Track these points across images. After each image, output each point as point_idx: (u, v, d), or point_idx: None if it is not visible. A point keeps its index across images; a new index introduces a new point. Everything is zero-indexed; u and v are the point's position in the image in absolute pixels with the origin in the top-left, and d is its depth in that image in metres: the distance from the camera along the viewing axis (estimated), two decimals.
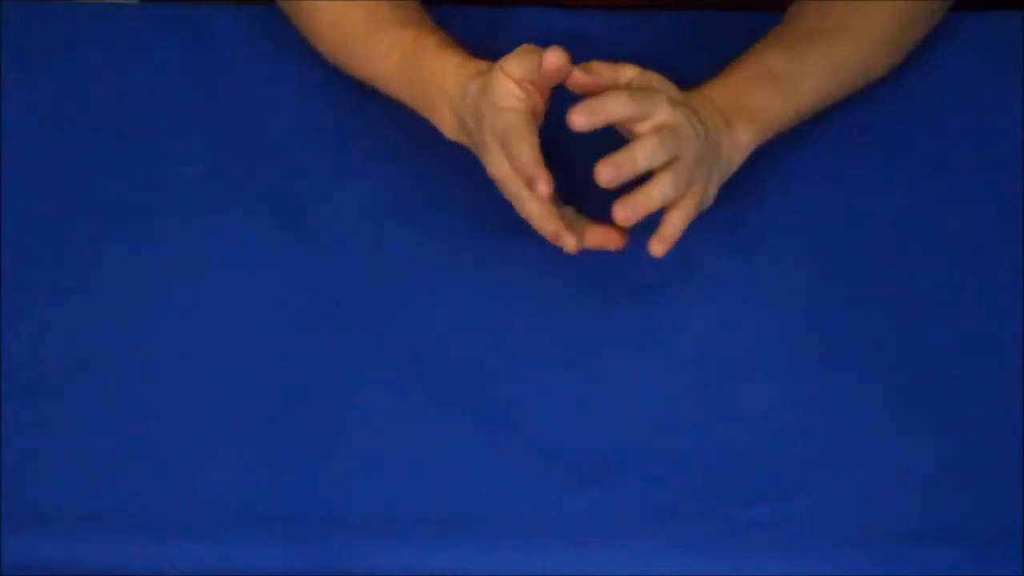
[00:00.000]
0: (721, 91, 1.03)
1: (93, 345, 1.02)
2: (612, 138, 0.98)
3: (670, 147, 0.95)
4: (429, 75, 1.05)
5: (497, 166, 0.98)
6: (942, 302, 1.02)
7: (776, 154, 1.07)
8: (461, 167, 1.06)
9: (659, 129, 0.95)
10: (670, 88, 0.99)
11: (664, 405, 0.98)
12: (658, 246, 0.97)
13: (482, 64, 1.03)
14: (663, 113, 0.96)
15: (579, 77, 0.97)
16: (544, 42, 1.14)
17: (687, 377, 0.99)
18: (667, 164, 0.95)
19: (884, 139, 1.09)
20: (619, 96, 0.95)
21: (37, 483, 0.96)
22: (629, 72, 0.99)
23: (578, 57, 1.13)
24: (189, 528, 0.94)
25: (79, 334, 1.02)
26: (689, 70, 1.08)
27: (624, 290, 1.02)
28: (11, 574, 0.94)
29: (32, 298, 1.04)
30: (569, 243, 0.97)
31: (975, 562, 0.92)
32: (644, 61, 1.12)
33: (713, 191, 1.01)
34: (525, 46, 0.98)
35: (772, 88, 1.04)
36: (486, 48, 1.13)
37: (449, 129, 1.05)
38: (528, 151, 0.95)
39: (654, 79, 0.99)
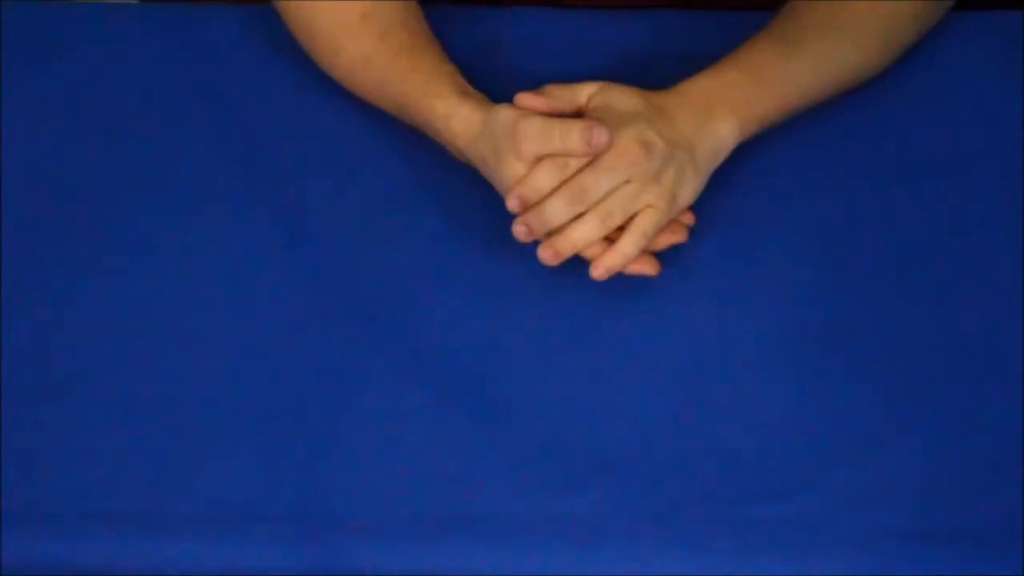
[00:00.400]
0: (705, 85, 1.03)
1: (93, 345, 1.02)
2: None
3: (587, 199, 0.98)
4: (422, 118, 1.05)
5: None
6: (942, 302, 1.02)
7: (775, 154, 1.07)
8: (461, 167, 1.06)
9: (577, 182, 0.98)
10: (627, 101, 1.00)
11: (664, 405, 0.98)
12: (596, 271, 0.99)
13: (462, 122, 1.02)
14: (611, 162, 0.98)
15: (536, 103, 1.00)
16: (543, 42, 1.14)
17: (687, 377, 0.99)
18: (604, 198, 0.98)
19: (884, 138, 1.09)
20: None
21: (37, 483, 0.96)
22: (588, 89, 1.02)
23: (577, 57, 1.14)
24: (189, 528, 0.94)
25: (79, 334, 1.02)
26: (689, 70, 1.08)
27: (624, 290, 1.02)
28: (11, 574, 0.94)
29: (32, 298, 1.04)
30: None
31: (975, 562, 0.92)
32: (644, 61, 1.12)
33: (688, 192, 1.01)
34: (529, 127, 0.98)
35: (759, 82, 1.04)
36: (487, 48, 1.13)
37: (464, 160, 1.05)
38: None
39: (612, 94, 1.01)
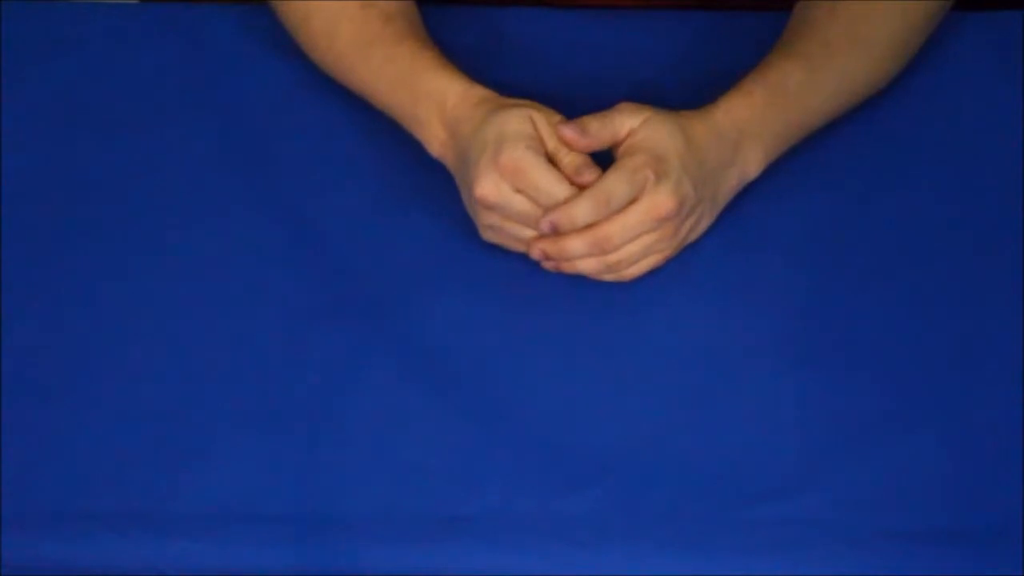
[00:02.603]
0: (737, 115, 1.02)
1: (93, 345, 1.02)
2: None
3: (607, 248, 0.99)
4: (425, 91, 1.04)
5: (492, 188, 0.98)
6: (942, 302, 1.02)
7: None
8: None
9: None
10: (669, 143, 0.98)
11: (664, 405, 0.98)
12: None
13: (487, 91, 1.02)
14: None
15: (579, 144, 0.98)
16: (542, 42, 1.14)
17: (687, 377, 0.99)
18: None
19: (884, 138, 1.09)
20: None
21: (37, 483, 0.96)
22: (629, 123, 0.99)
23: (577, 57, 1.14)
24: (189, 528, 0.94)
25: (79, 334, 1.02)
26: (689, 70, 1.08)
27: (624, 290, 1.02)
28: (11, 574, 0.94)
29: (32, 298, 1.04)
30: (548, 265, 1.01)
31: (975, 562, 0.92)
32: (644, 61, 1.12)
33: (697, 234, 1.03)
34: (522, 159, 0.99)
35: (786, 106, 1.03)
36: (486, 48, 1.13)
37: (437, 145, 1.04)
38: (551, 183, 0.97)
39: (654, 133, 0.98)
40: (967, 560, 0.92)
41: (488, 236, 1.02)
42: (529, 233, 1.00)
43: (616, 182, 0.97)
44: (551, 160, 0.99)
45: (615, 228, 0.97)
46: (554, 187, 0.97)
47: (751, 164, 1.03)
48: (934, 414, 0.97)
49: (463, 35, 1.13)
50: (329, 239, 1.06)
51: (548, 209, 0.97)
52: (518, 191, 0.98)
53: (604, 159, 0.99)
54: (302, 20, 1.11)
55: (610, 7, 1.17)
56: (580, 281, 1.02)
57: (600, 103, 1.03)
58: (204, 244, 1.06)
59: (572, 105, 1.04)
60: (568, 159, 0.98)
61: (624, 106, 1.00)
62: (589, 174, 0.97)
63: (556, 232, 0.98)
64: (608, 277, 1.01)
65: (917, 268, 1.03)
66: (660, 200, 0.97)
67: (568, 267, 1.00)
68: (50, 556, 0.94)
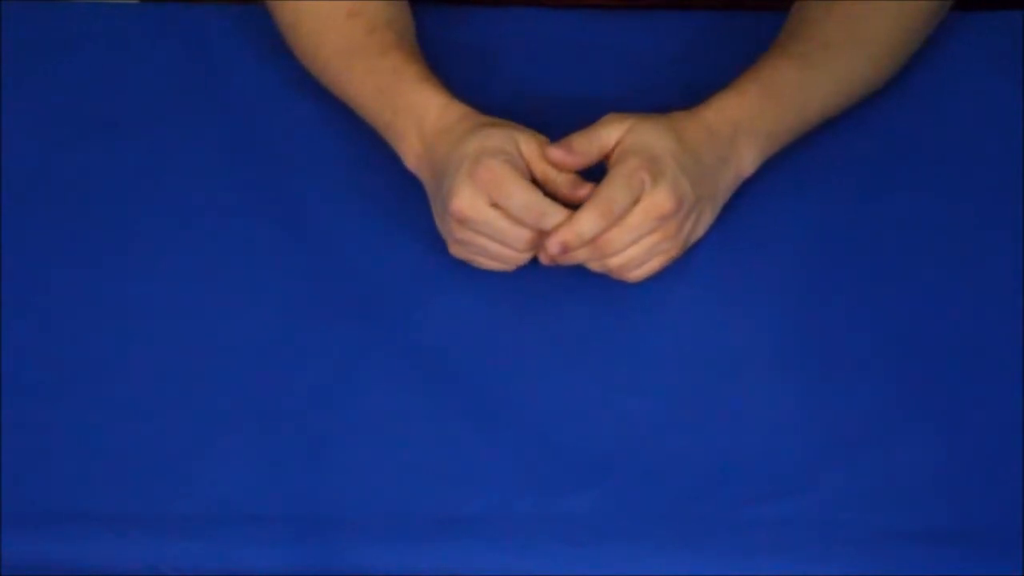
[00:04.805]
0: (730, 114, 1.02)
1: (93, 345, 1.02)
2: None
3: (608, 252, 0.98)
4: (405, 105, 1.04)
5: (468, 201, 0.97)
6: (942, 302, 1.02)
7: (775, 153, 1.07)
8: None
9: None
10: (660, 143, 0.98)
11: (664, 405, 0.98)
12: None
13: (468, 109, 1.02)
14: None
15: (567, 162, 0.98)
16: (542, 42, 1.14)
17: (687, 377, 0.99)
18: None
19: (884, 138, 1.09)
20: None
21: (37, 483, 0.96)
22: (615, 133, 0.99)
23: (574, 58, 1.14)
24: (189, 528, 0.94)
25: (79, 334, 1.02)
26: (689, 70, 1.08)
27: (624, 290, 1.02)
28: (11, 574, 0.94)
29: (32, 298, 1.04)
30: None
31: (975, 562, 0.92)
32: (643, 61, 1.12)
33: (701, 231, 1.03)
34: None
35: (781, 104, 1.03)
36: (486, 48, 1.13)
37: (413, 158, 1.04)
38: (528, 195, 0.97)
39: (644, 135, 0.98)
40: (967, 560, 0.92)
41: (457, 252, 1.01)
42: (500, 249, 0.99)
43: (614, 188, 0.96)
44: (540, 184, 0.98)
45: (615, 232, 0.97)
46: (531, 199, 0.97)
47: (745, 161, 1.03)
48: (934, 414, 0.97)
49: (462, 35, 1.13)
50: (329, 238, 1.06)
51: (552, 229, 0.97)
52: (493, 205, 0.97)
53: (594, 175, 0.99)
54: (291, 24, 1.11)
55: (610, 7, 1.17)
56: (580, 281, 1.02)
57: (599, 103, 1.03)
58: (203, 244, 1.06)
59: (571, 106, 1.04)
60: (561, 179, 0.98)
61: (608, 117, 1.00)
62: (583, 188, 0.97)
63: (566, 252, 0.97)
64: (614, 275, 1.01)
65: (916, 268, 1.03)
66: (659, 200, 0.97)
67: (566, 261, 1.00)
68: (50, 556, 0.94)
